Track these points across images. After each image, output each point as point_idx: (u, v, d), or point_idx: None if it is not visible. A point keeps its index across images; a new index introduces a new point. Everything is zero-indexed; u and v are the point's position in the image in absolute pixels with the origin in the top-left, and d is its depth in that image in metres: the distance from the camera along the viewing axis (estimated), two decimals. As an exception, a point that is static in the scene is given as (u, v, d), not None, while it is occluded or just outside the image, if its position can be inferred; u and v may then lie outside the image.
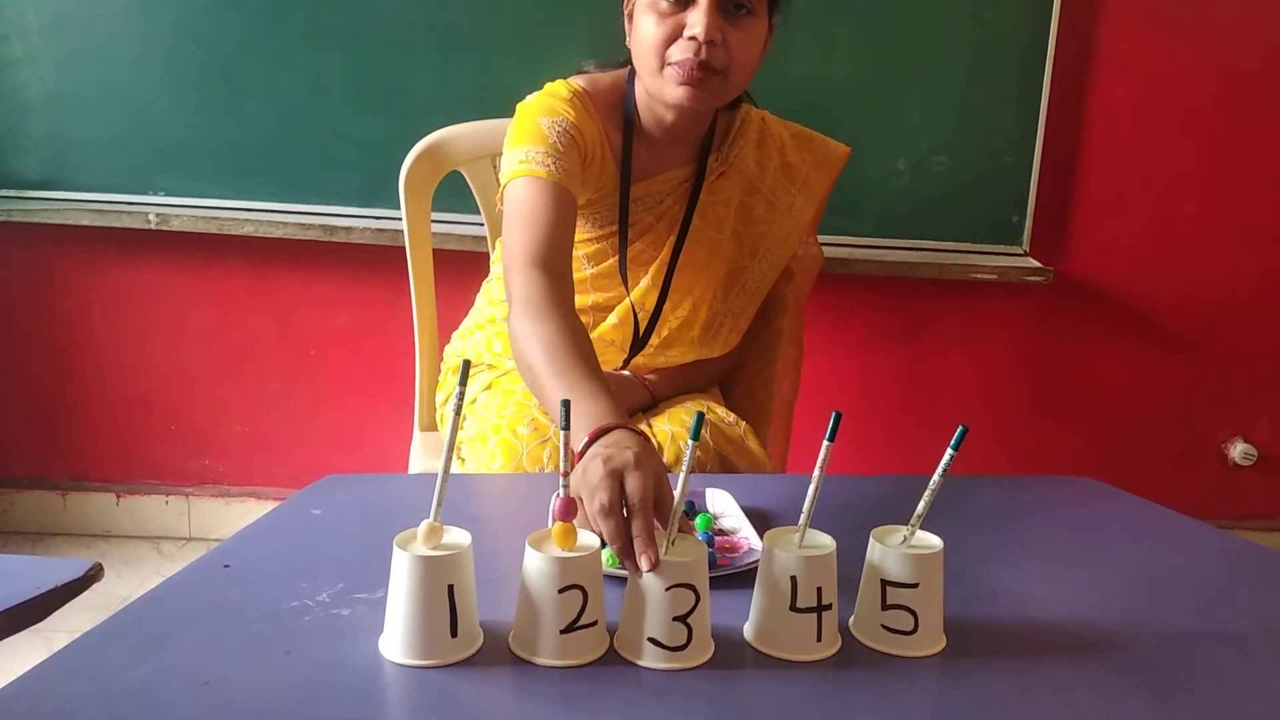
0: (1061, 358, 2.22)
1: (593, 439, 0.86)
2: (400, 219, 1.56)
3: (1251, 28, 2.04)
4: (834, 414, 0.74)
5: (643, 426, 1.23)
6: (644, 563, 0.71)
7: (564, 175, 1.16)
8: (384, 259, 1.92)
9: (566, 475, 0.73)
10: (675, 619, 0.70)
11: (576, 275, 1.28)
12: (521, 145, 1.18)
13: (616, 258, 1.28)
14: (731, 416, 1.26)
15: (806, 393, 2.12)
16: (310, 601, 0.76)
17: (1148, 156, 2.11)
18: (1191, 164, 2.12)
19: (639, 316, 1.30)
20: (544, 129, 1.19)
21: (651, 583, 0.70)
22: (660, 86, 1.17)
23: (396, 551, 0.68)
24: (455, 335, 1.50)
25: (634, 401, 1.28)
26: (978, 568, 0.89)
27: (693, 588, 0.71)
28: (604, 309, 1.31)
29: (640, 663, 0.70)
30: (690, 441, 0.73)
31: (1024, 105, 2.01)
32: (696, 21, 1.11)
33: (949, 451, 0.73)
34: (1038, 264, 2.04)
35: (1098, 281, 2.16)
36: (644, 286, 1.30)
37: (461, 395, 0.70)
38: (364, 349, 2.12)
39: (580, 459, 0.84)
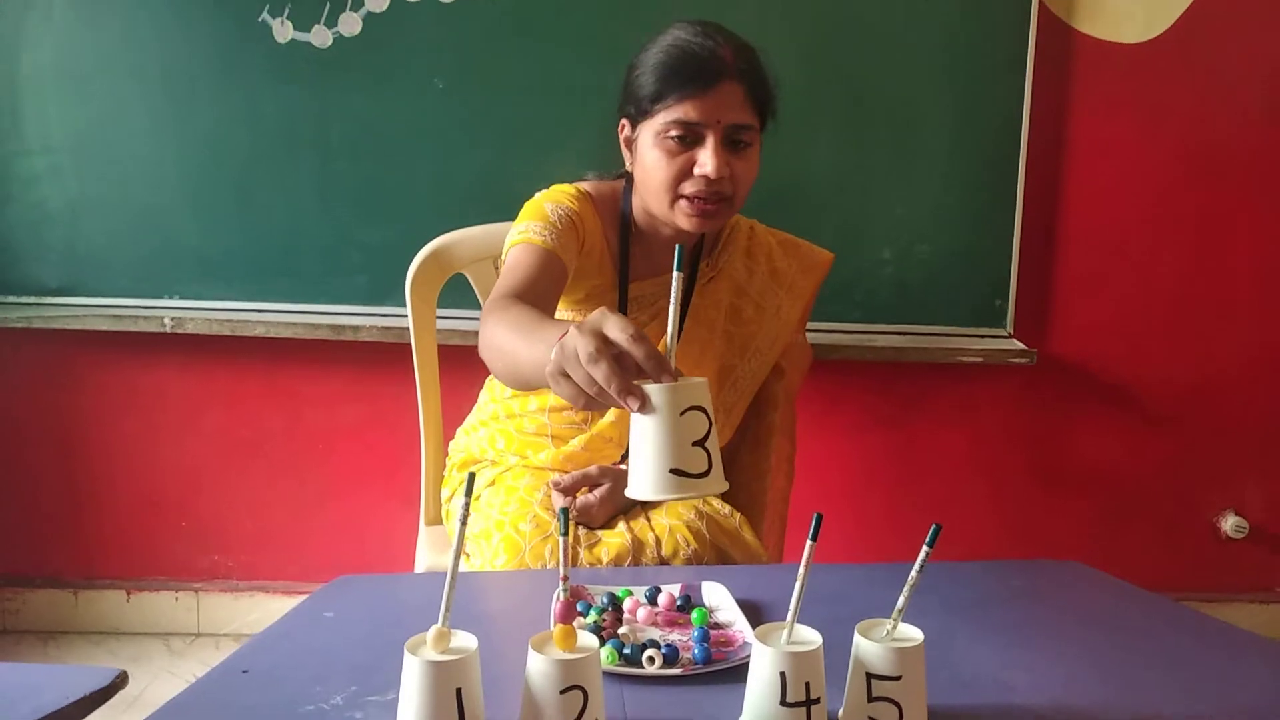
0: (1051, 435, 2.27)
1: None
2: (406, 317, 1.63)
3: (1214, 110, 2.15)
4: (815, 515, 0.79)
5: (640, 520, 1.27)
6: (665, 379, 0.73)
7: (558, 245, 1.22)
8: (390, 356, 1.99)
9: (565, 579, 0.77)
10: (694, 444, 0.70)
11: None
12: (523, 221, 1.27)
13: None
14: (727, 508, 1.31)
15: (804, 475, 2.17)
16: (325, 705, 0.80)
17: (1122, 237, 2.20)
18: (1165, 243, 2.20)
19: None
20: (547, 210, 1.27)
21: (664, 411, 0.70)
22: (671, 217, 1.25)
23: (407, 657, 0.72)
24: (460, 431, 1.56)
25: None
26: (962, 655, 0.93)
27: (704, 411, 0.72)
28: (592, 420, 1.37)
29: (665, 497, 0.70)
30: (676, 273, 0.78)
31: (1001, 193, 2.10)
32: (707, 160, 1.19)
33: (924, 549, 0.78)
34: (1022, 345, 2.10)
35: (1081, 360, 2.23)
36: None
37: (467, 507, 0.75)
38: (371, 444, 2.17)
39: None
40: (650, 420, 0.71)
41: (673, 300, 0.77)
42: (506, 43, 1.98)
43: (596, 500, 1.26)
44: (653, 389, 0.73)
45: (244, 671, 0.86)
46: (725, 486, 0.73)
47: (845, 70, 2.04)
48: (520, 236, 1.24)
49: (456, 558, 0.76)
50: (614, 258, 1.35)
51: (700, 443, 0.70)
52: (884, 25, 2.02)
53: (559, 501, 1.25)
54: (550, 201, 1.29)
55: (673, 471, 0.70)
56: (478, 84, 1.99)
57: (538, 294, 1.15)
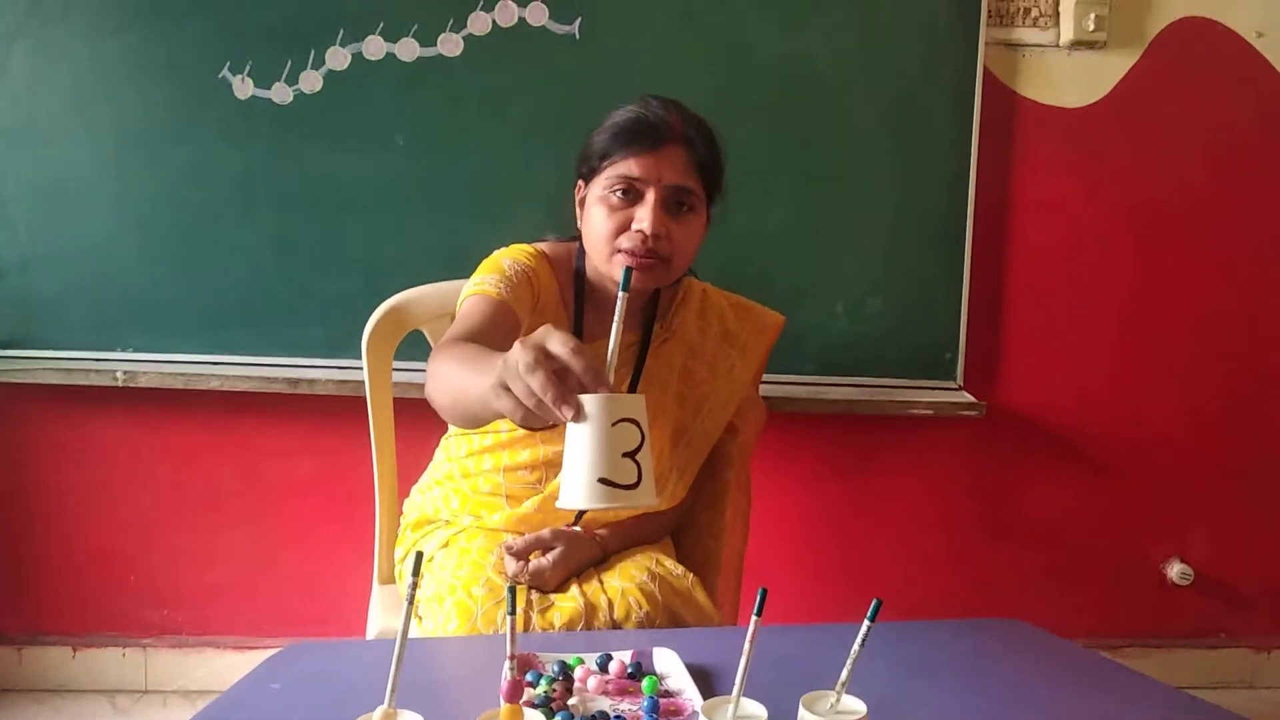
0: (1001, 485, 2.32)
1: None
2: (363, 369, 1.64)
3: (1151, 170, 2.23)
4: (760, 591, 0.81)
5: (593, 583, 1.28)
6: (601, 390, 0.76)
7: (511, 298, 1.26)
8: (346, 409, 1.99)
9: (513, 658, 0.78)
10: (624, 455, 0.71)
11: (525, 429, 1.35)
12: (479, 275, 1.31)
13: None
14: (680, 569, 1.33)
15: (760, 525, 2.19)
16: (272, 785, 0.80)
17: (1067, 292, 2.26)
18: (1107, 298, 2.27)
19: None
20: (504, 265, 1.31)
21: (597, 421, 0.71)
22: (610, 270, 1.30)
23: (354, 740, 0.73)
24: (415, 490, 1.56)
25: (585, 556, 1.33)
26: (906, 722, 0.94)
27: (636, 423, 0.73)
28: (554, 465, 1.38)
29: (590, 507, 0.71)
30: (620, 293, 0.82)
31: (950, 250, 2.15)
32: (644, 217, 1.25)
33: (865, 624, 0.80)
34: (971, 398, 2.15)
35: (1030, 412, 2.28)
36: None
37: (414, 586, 0.76)
38: (326, 497, 2.16)
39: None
40: (583, 429, 0.72)
41: (616, 318, 0.81)
42: (467, 102, 2.01)
43: (549, 564, 1.26)
44: (587, 398, 0.74)
45: (189, 750, 0.86)
46: (655, 500, 0.74)
47: (797, 132, 2.09)
48: (475, 288, 1.28)
49: (402, 641, 0.76)
50: (569, 317, 1.38)
51: (631, 455, 0.71)
52: (835, 88, 2.08)
53: (511, 567, 1.26)
54: (508, 258, 1.33)
55: (601, 481, 0.71)
56: (438, 142, 2.01)
57: (488, 341, 1.16)
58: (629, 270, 0.85)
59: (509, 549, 1.28)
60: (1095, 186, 2.23)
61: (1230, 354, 2.31)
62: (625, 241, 1.26)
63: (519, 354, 0.81)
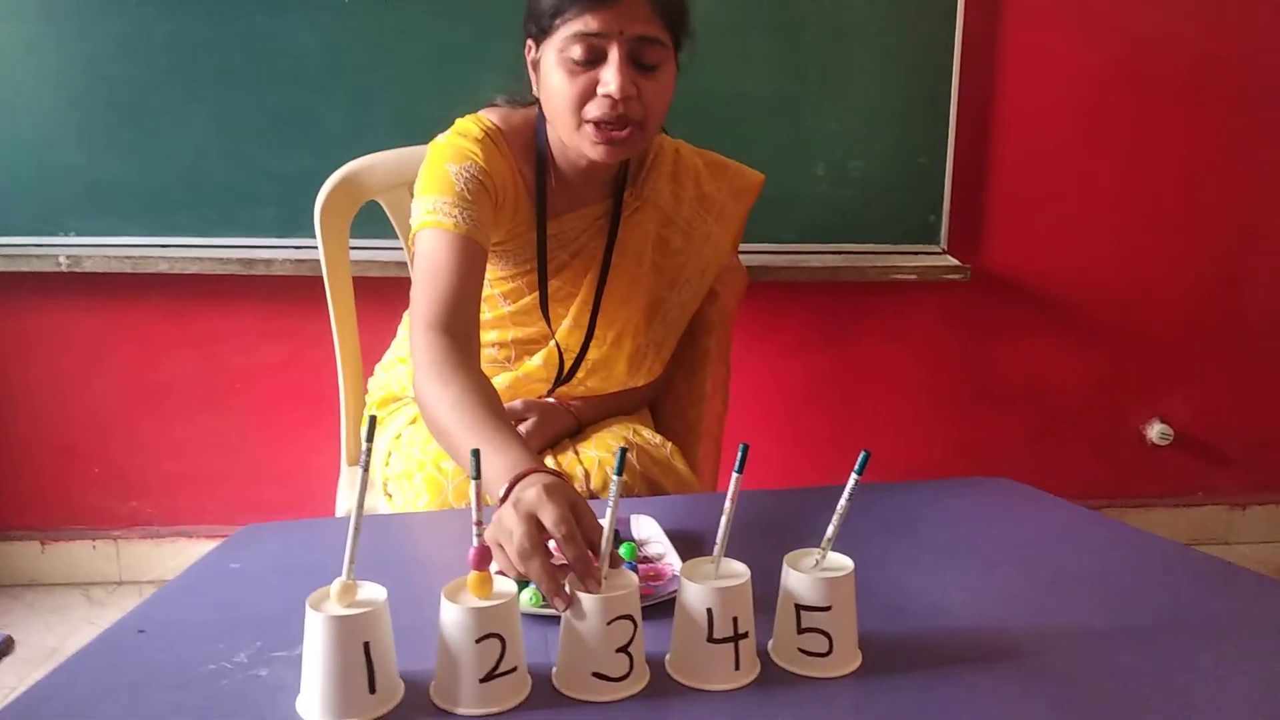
0: (985, 351, 2.28)
1: (511, 486, 0.86)
2: (318, 247, 1.54)
3: (1147, 21, 2.12)
4: (741, 446, 0.75)
5: (569, 454, 1.23)
6: (591, 587, 0.72)
7: (472, 226, 1.15)
8: (306, 290, 1.90)
9: (479, 524, 0.73)
10: (618, 650, 0.71)
11: (494, 313, 1.28)
12: (429, 194, 1.17)
13: (533, 296, 1.28)
14: (658, 438, 1.28)
15: (742, 398, 2.15)
16: (228, 664, 0.75)
17: (1055, 153, 2.18)
18: (1098, 158, 2.19)
19: (564, 356, 1.30)
20: (452, 176, 1.17)
21: (592, 619, 0.71)
22: (578, 143, 1.15)
23: (309, 612, 0.68)
24: (379, 368, 1.49)
25: (560, 428, 1.28)
26: (893, 579, 0.91)
27: (630, 618, 0.72)
28: (526, 344, 1.31)
29: (586, 698, 0.71)
30: (615, 477, 0.74)
31: (935, 108, 2.06)
32: (610, 79, 1.09)
33: (853, 477, 0.75)
34: (956, 261, 2.09)
35: (1015, 276, 2.23)
36: (567, 326, 1.30)
37: (369, 452, 0.70)
38: (291, 381, 2.09)
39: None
40: (579, 625, 0.72)
41: (610, 512, 0.75)
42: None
43: (524, 435, 1.21)
44: (585, 598, 0.72)
45: (140, 631, 0.81)
46: (645, 683, 0.74)
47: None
48: (430, 218, 1.16)
49: (360, 505, 0.71)
50: (530, 194, 1.26)
51: (624, 648, 0.72)
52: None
53: None
54: (455, 162, 1.18)
55: (595, 675, 0.72)
56: (388, 4, 1.87)
57: (463, 314, 1.11)
58: (624, 451, 0.75)
59: None
60: (1089, 36, 2.12)
61: (1220, 217, 2.25)
62: (593, 110, 1.11)
63: (514, 526, 0.79)
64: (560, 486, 0.83)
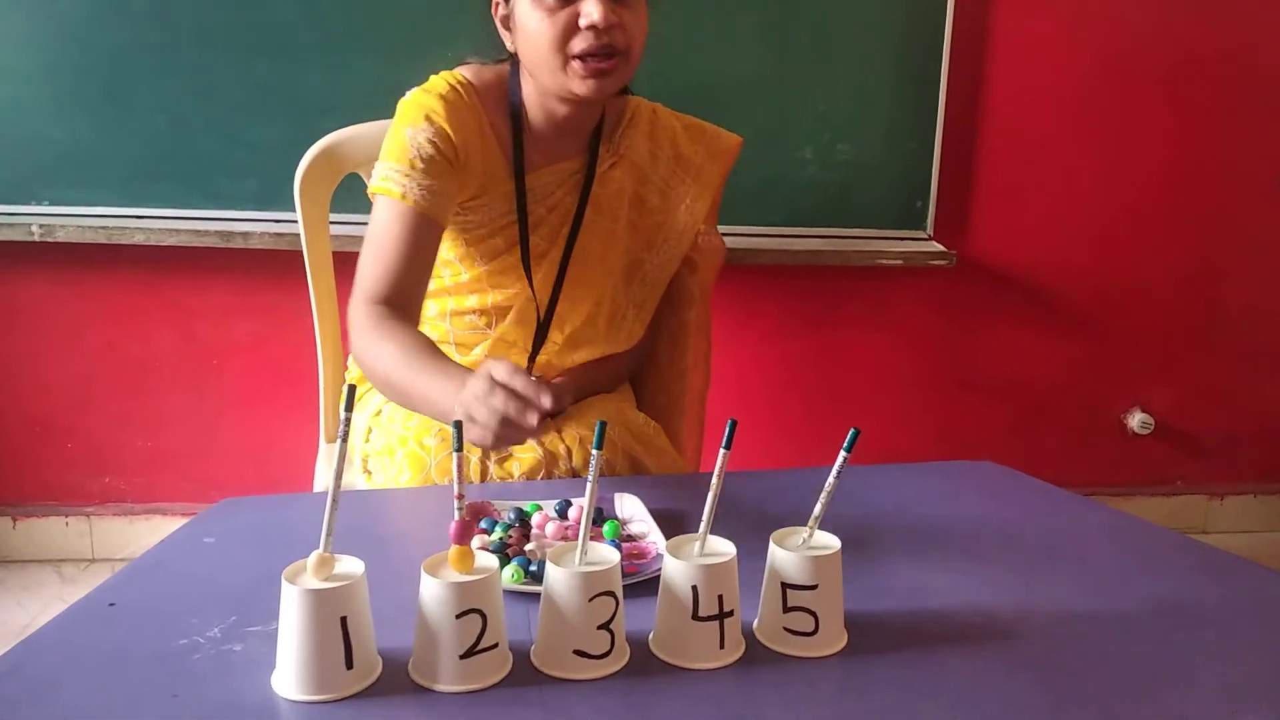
0: (968, 338, 2.28)
1: None
2: (297, 220, 1.52)
3: (1136, 13, 2.12)
4: (729, 422, 0.74)
5: (551, 432, 1.22)
6: (546, 402, 0.84)
7: (424, 197, 1.14)
8: (285, 263, 1.87)
9: (461, 497, 0.71)
10: (599, 627, 0.70)
11: (471, 274, 1.26)
12: (386, 159, 1.16)
13: (511, 252, 1.26)
14: (641, 417, 1.26)
15: (725, 381, 2.13)
16: (200, 638, 0.73)
17: (1042, 142, 2.17)
18: (1083, 149, 2.19)
19: (539, 313, 1.29)
20: (407, 142, 1.16)
21: (573, 595, 0.70)
22: (564, 83, 1.14)
23: (285, 586, 0.66)
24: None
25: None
26: (878, 561, 0.90)
27: (612, 594, 0.71)
28: (502, 309, 1.29)
29: (566, 675, 0.70)
30: (594, 450, 0.73)
31: (923, 93, 2.05)
32: (592, 10, 1.08)
33: (842, 454, 0.74)
34: (941, 248, 2.08)
35: (999, 264, 2.23)
36: (538, 281, 1.28)
37: (348, 422, 0.68)
38: (269, 357, 2.06)
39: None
40: (560, 603, 0.70)
41: (590, 476, 0.75)
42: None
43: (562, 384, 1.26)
44: (563, 574, 0.70)
45: (110, 604, 0.79)
46: (624, 661, 0.73)
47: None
48: (384, 184, 1.15)
49: (338, 477, 0.69)
50: (504, 148, 1.24)
51: (605, 625, 0.70)
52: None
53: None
54: (412, 125, 1.16)
55: (575, 652, 0.70)
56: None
57: (405, 291, 1.14)
58: (602, 425, 0.75)
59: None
60: (1078, 25, 2.11)
61: (1201, 210, 2.27)
62: (578, 44, 1.10)
63: (473, 386, 0.88)
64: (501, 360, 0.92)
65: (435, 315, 1.31)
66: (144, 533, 2.13)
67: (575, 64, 1.12)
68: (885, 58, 2.03)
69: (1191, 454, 2.43)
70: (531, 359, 1.30)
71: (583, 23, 1.09)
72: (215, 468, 2.12)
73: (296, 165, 1.50)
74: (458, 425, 0.72)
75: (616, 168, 1.29)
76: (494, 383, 0.87)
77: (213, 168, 1.89)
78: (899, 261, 2.06)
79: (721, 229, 2.02)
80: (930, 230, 2.11)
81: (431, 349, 1.05)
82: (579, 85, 1.13)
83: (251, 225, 1.89)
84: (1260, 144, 2.23)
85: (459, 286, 1.29)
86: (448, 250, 1.25)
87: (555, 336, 1.30)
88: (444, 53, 1.80)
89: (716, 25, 1.95)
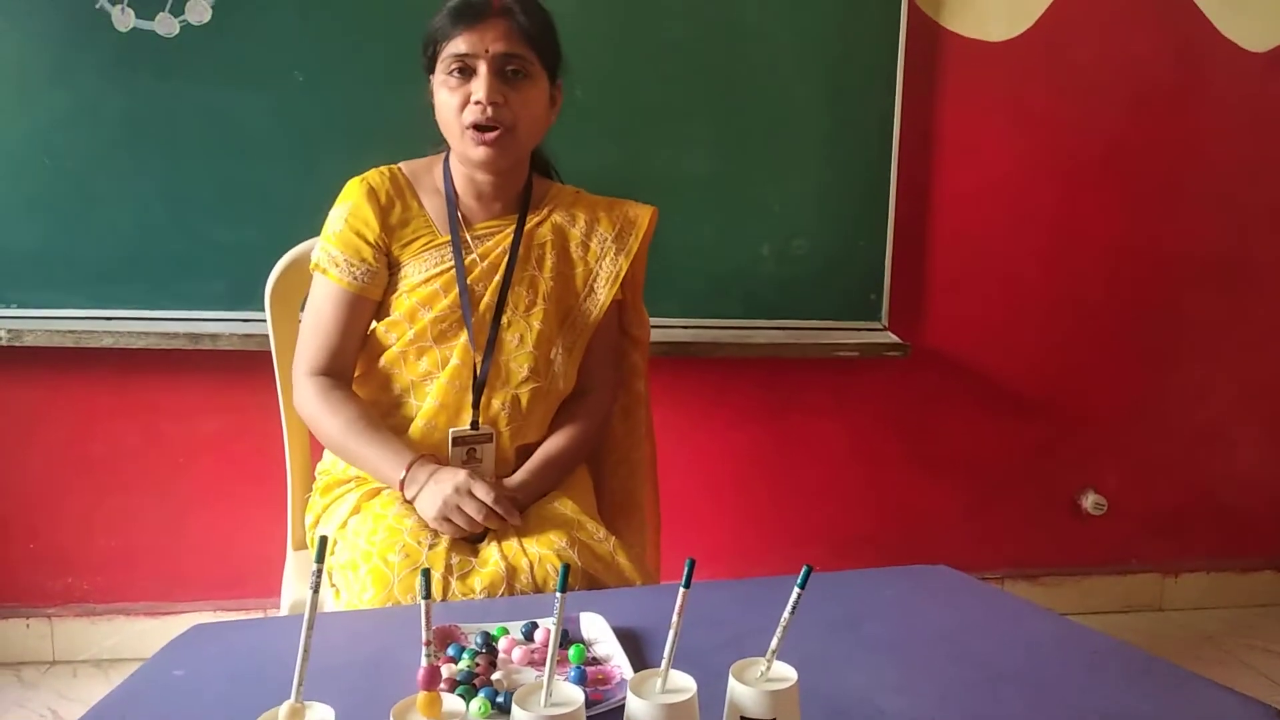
0: (924, 424, 2.34)
1: (407, 470, 1.28)
2: (267, 323, 1.55)
3: (1071, 108, 2.23)
4: (688, 561, 0.78)
5: (513, 545, 1.24)
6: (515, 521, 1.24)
7: (355, 278, 1.35)
8: (252, 364, 1.89)
9: (429, 644, 0.74)
10: None
11: (416, 328, 1.35)
12: (324, 238, 1.38)
13: (450, 294, 1.36)
14: (601, 532, 1.29)
15: (689, 469, 2.17)
16: (172, 786, 0.75)
17: (988, 235, 2.27)
18: (1026, 240, 2.29)
19: (476, 358, 1.36)
20: (338, 222, 1.37)
21: None
22: (465, 149, 1.34)
23: (258, 739, 0.68)
24: (326, 450, 1.49)
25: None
26: (835, 679, 0.93)
27: None
28: (445, 360, 1.36)
29: None
30: (558, 594, 0.76)
31: (875, 191, 2.13)
32: (478, 88, 1.30)
33: (795, 590, 0.78)
34: (896, 339, 2.15)
35: (952, 352, 2.30)
36: (476, 324, 1.37)
37: (319, 573, 0.71)
38: (235, 456, 2.07)
39: (403, 489, 1.28)
40: None
41: (555, 617, 0.76)
42: (370, 33, 1.89)
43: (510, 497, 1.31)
44: (527, 718, 0.72)
45: (81, 751, 0.80)
46: None
47: (721, 69, 2.03)
48: (318, 265, 1.37)
49: (309, 628, 0.71)
50: (439, 214, 1.40)
51: None
52: (758, 23, 2.02)
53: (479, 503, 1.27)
54: (339, 207, 1.39)
55: None
56: (340, 77, 1.90)
57: (341, 362, 1.38)
58: (566, 568, 0.79)
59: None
60: (1017, 124, 2.22)
61: (1141, 294, 2.36)
62: (469, 116, 1.30)
63: (455, 500, 1.24)
64: (451, 478, 1.26)
65: (390, 366, 1.39)
66: (107, 633, 2.10)
67: (470, 133, 1.32)
68: (838, 158, 2.11)
69: (1145, 533, 2.50)
70: (475, 405, 1.36)
71: (472, 99, 1.30)
72: (180, 568, 2.10)
73: (265, 265, 1.53)
74: (425, 574, 0.75)
75: (541, 226, 1.44)
76: (473, 497, 1.22)
77: (180, 269, 1.92)
78: (855, 353, 2.12)
79: (682, 322, 2.09)
80: (885, 321, 2.18)
81: (373, 422, 1.33)
82: (473, 151, 1.33)
83: (220, 326, 1.91)
84: (1192, 229, 2.35)
85: (408, 345, 1.37)
86: (395, 310, 1.37)
87: (494, 380, 1.37)
88: (409, 153, 1.88)
89: (673, 128, 2.03)
